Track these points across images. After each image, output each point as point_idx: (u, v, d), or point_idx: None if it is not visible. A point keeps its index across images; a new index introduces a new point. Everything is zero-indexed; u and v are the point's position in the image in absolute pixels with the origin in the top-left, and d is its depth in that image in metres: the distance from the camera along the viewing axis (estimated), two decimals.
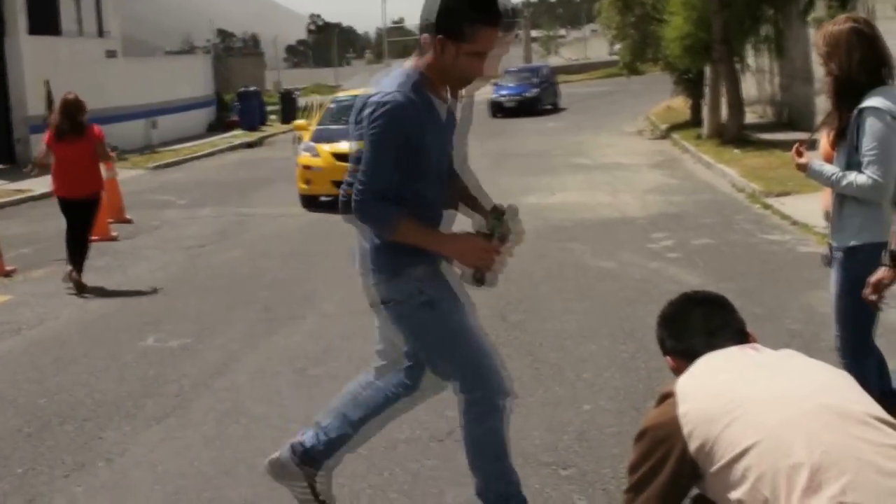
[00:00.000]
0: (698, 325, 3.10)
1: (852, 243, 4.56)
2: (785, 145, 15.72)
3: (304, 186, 15.73)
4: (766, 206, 13.62)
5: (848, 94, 4.45)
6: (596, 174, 18.82)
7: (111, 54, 28.63)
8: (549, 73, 40.97)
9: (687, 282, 9.30)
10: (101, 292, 10.19)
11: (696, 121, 25.78)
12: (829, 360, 5.32)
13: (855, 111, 4.43)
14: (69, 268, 10.24)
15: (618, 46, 41.57)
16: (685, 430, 2.73)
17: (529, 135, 28.95)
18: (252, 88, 33.88)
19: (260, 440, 5.71)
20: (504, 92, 37.33)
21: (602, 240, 11.91)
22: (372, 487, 4.97)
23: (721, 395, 2.75)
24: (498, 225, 4.06)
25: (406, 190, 4.03)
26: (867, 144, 4.42)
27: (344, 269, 10.95)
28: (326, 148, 15.82)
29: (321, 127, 16.92)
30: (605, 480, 4.90)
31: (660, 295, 8.76)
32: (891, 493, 2.45)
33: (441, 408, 6.11)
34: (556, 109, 37.60)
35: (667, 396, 2.88)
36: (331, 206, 15.72)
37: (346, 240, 12.81)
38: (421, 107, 3.92)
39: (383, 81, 4.02)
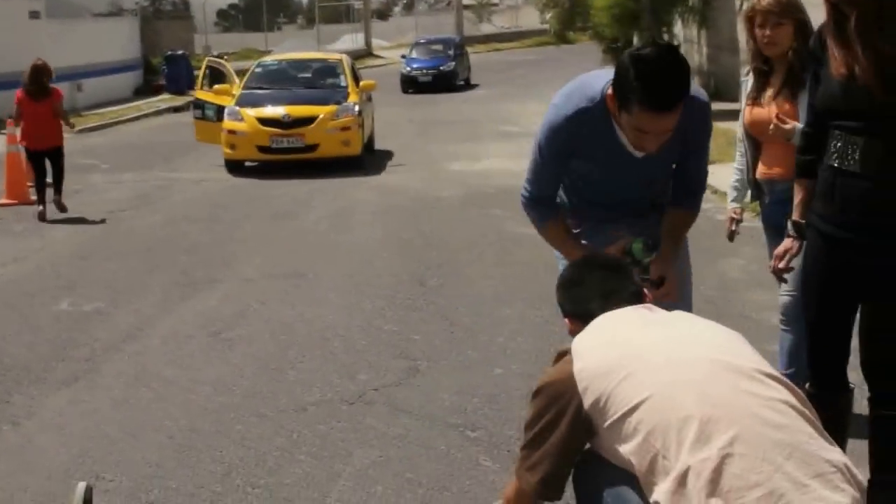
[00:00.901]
0: (594, 288, 3.14)
1: None
2: (714, 115, 15.88)
3: (228, 151, 15.59)
4: None
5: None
6: (523, 142, 18.77)
7: (34, 15, 28.00)
8: (461, 45, 37.53)
9: None
10: (17, 256, 10.05)
11: None
12: (740, 325, 5.44)
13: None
14: (39, 208, 12.07)
15: (548, 15, 41.56)
16: (580, 386, 2.76)
17: (457, 103, 28.91)
18: (180, 52, 33.37)
19: (168, 403, 5.69)
20: (417, 65, 33.98)
21: None
22: (279, 449, 4.97)
23: (615, 351, 2.79)
24: (640, 253, 3.90)
25: (572, 196, 4.18)
26: None
27: (265, 233, 10.98)
28: (251, 112, 15.68)
29: (246, 91, 16.75)
30: (511, 442, 4.94)
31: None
32: (776, 444, 2.50)
33: (352, 371, 6.16)
34: (468, 85, 34.45)
35: (563, 354, 2.93)
36: (255, 171, 15.67)
37: (268, 204, 12.79)
38: (591, 125, 3.79)
39: (568, 87, 3.95)
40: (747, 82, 5.00)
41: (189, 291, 8.34)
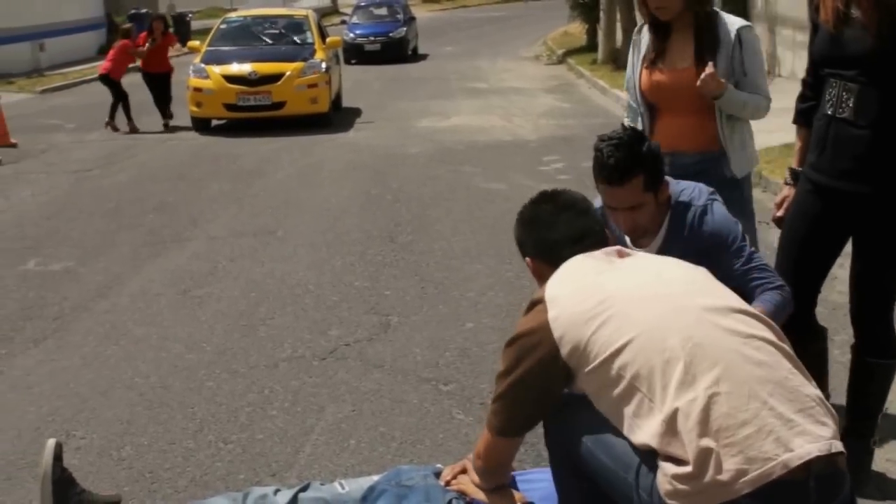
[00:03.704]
0: (562, 230, 3.05)
1: (746, 172, 4.55)
2: None
3: (194, 109, 15.43)
4: None
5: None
6: (491, 98, 18.81)
7: None
8: (407, 9, 32.14)
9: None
10: None
11: (591, 46, 25.83)
12: None
13: (733, 31, 4.41)
14: None
15: None
16: (556, 334, 2.74)
17: (426, 59, 28.81)
18: (144, 11, 32.95)
19: (139, 361, 5.66)
20: (362, 31, 29.06)
21: (493, 162, 11.93)
22: (251, 405, 4.95)
23: (591, 297, 2.75)
24: None
25: None
26: (757, 63, 4.41)
27: (233, 191, 10.90)
28: (217, 70, 15.51)
29: (212, 48, 16.57)
30: (484, 395, 4.95)
31: None
32: (759, 380, 2.52)
33: (324, 327, 6.14)
34: (415, 55, 30.03)
35: (536, 303, 2.87)
36: (222, 130, 15.55)
37: (236, 162, 12.69)
38: None
39: None
40: (640, 41, 4.59)
41: (157, 250, 8.28)
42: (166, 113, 16.19)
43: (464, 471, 3.38)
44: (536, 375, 2.81)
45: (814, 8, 3.78)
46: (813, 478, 2.45)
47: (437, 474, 3.45)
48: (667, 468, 2.52)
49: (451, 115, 16.51)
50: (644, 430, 2.57)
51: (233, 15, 19.11)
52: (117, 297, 6.98)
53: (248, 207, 9.99)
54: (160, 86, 16.20)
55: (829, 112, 3.66)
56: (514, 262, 7.39)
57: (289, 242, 8.40)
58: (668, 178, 3.78)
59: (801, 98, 3.99)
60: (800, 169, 3.99)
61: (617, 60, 21.65)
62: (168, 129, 15.93)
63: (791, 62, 17.38)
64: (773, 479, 2.41)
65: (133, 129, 15.66)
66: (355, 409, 4.87)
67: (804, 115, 3.96)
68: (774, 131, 11.71)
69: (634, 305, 2.71)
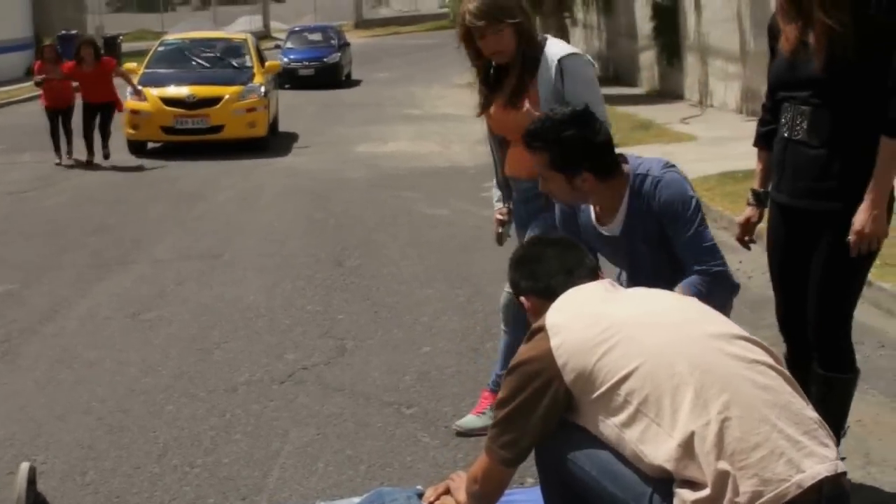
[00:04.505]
0: (554, 264, 3.14)
1: None
2: (613, 99, 16.11)
3: (131, 131, 15.27)
4: None
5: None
6: (427, 124, 18.88)
7: None
8: (342, 35, 32.46)
9: None
10: None
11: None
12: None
13: (554, 62, 4.42)
14: None
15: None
16: (560, 361, 2.76)
17: (359, 85, 28.84)
18: (73, 32, 32.58)
19: (94, 385, 5.57)
20: (295, 56, 28.85)
21: (434, 188, 11.97)
22: (213, 429, 4.90)
23: (595, 324, 2.78)
24: None
25: None
26: (583, 88, 4.40)
27: (173, 214, 10.80)
28: (154, 92, 15.38)
29: (149, 70, 16.43)
30: (448, 419, 4.95)
31: (493, 243, 8.88)
32: (767, 404, 2.58)
33: (279, 351, 6.11)
34: (349, 80, 29.93)
35: (537, 331, 2.89)
36: (159, 153, 15.41)
37: (174, 185, 12.53)
38: None
39: None
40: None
41: (102, 273, 8.18)
42: (107, 141, 14.70)
43: (447, 491, 3.39)
44: (538, 404, 2.81)
45: (772, 36, 3.93)
46: (824, 499, 2.51)
47: (420, 496, 3.45)
48: (685, 495, 2.56)
49: (388, 141, 16.54)
50: (657, 454, 2.60)
51: (170, 37, 18.98)
52: (65, 320, 6.87)
53: (190, 231, 9.91)
54: (103, 117, 14.66)
55: (786, 134, 3.80)
56: (464, 287, 7.44)
57: (235, 266, 8.35)
58: (628, 154, 3.90)
59: (761, 122, 4.13)
60: (761, 190, 4.11)
61: None
62: (90, 165, 14.38)
63: (722, 93, 17.72)
64: (788, 499, 2.46)
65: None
66: (320, 432, 4.85)
67: (763, 138, 4.08)
68: (710, 160, 11.99)
69: (640, 332, 2.75)
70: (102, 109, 14.61)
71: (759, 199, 4.10)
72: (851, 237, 3.60)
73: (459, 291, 7.36)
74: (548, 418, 2.84)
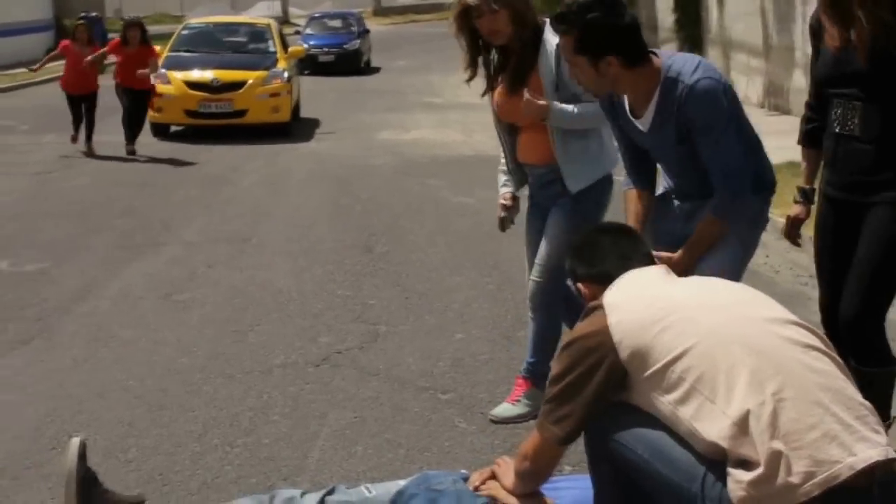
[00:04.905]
0: (610, 249, 3.18)
1: (585, 185, 4.59)
2: None
3: (154, 114, 15.26)
4: None
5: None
6: (448, 113, 18.87)
7: None
8: (362, 22, 32.40)
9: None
10: None
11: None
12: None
13: (552, 46, 4.43)
14: None
15: None
16: (616, 338, 2.80)
17: (379, 72, 28.84)
18: (94, 14, 32.63)
19: (131, 364, 5.62)
20: (315, 42, 28.55)
21: (459, 176, 11.97)
22: (251, 410, 4.94)
23: (652, 305, 2.84)
24: None
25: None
26: None
27: (200, 198, 10.83)
28: (178, 76, 15.43)
29: (173, 54, 16.47)
30: (483, 405, 4.98)
31: (522, 231, 8.89)
32: (820, 388, 2.63)
33: (312, 334, 6.14)
34: (369, 68, 30.07)
35: (594, 308, 2.94)
36: (182, 136, 15.44)
37: (200, 169, 12.56)
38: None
39: None
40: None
41: (132, 254, 8.22)
42: (135, 137, 14.00)
43: (492, 476, 3.41)
44: (594, 378, 2.85)
45: (815, 35, 3.98)
46: (876, 484, 2.54)
47: (465, 480, 3.48)
48: (738, 475, 2.59)
49: (410, 129, 16.55)
50: (711, 432, 2.64)
51: (194, 21, 19.01)
52: (97, 299, 6.91)
53: (218, 214, 9.95)
54: (137, 105, 13.99)
55: (837, 130, 3.84)
56: (493, 275, 7.45)
57: (264, 250, 8.38)
58: (660, 51, 3.93)
59: (806, 120, 4.16)
60: (808, 187, 4.13)
61: None
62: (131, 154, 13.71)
63: (745, 87, 17.68)
64: (840, 482, 2.50)
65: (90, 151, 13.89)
66: (357, 416, 4.88)
67: (808, 136, 4.12)
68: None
69: (696, 313, 2.80)
70: (137, 96, 13.90)
71: (806, 197, 4.15)
72: None
73: (489, 279, 7.38)
74: (602, 394, 2.87)
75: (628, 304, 2.87)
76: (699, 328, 2.74)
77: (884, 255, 3.78)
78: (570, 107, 4.46)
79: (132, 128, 13.96)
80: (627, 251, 3.17)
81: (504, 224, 5.08)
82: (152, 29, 33.32)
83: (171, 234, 9.00)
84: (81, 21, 15.21)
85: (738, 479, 2.60)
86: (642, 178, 4.17)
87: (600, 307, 2.91)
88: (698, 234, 3.91)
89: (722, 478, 2.64)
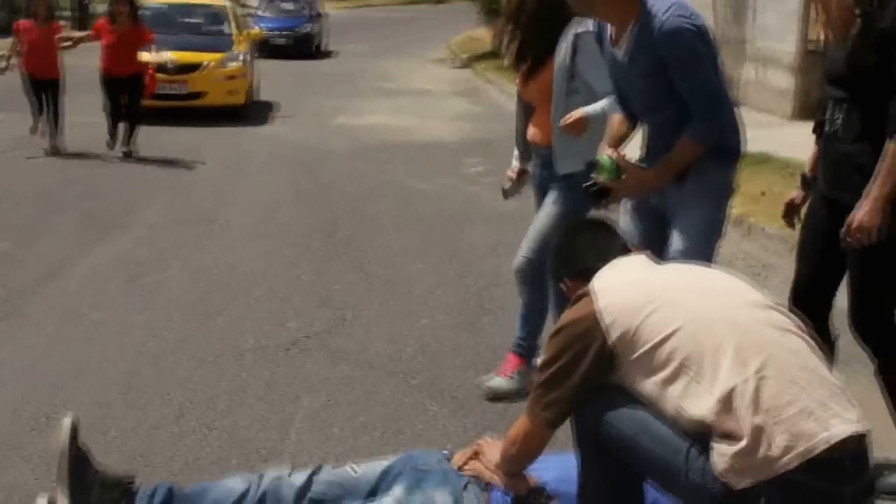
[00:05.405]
0: (589, 246, 3.32)
1: (573, 170, 4.73)
2: None
3: None
4: None
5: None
6: (403, 99, 18.95)
7: None
8: (315, 4, 31.60)
9: (504, 205, 9.52)
10: None
11: (497, 51, 26.11)
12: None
13: (571, 35, 4.67)
14: None
15: None
16: (606, 321, 2.93)
17: (333, 56, 28.80)
18: None
19: (103, 346, 5.68)
20: (268, 25, 27.52)
21: (417, 162, 12.08)
22: (226, 393, 5.02)
23: (640, 288, 3.00)
24: (606, 168, 4.11)
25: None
26: (600, 68, 4.52)
27: (161, 179, 10.83)
28: None
29: None
30: (453, 389, 5.11)
31: (481, 217, 9.07)
32: (798, 367, 2.80)
33: (280, 318, 6.23)
34: (323, 52, 29.94)
35: (582, 295, 3.07)
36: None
37: (158, 150, 12.48)
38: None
39: None
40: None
41: (98, 235, 8.24)
42: (133, 133, 12.37)
43: (475, 455, 3.54)
44: (583, 363, 2.98)
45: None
46: (848, 457, 2.73)
47: (448, 460, 3.60)
48: (721, 448, 2.75)
49: (365, 114, 16.61)
50: (697, 409, 2.79)
51: (152, 2, 18.86)
52: (64, 281, 6.95)
53: (181, 196, 9.98)
54: (130, 95, 12.38)
55: (827, 129, 3.96)
56: (454, 262, 7.58)
57: (230, 232, 8.45)
58: None
59: (821, 111, 4.18)
60: (810, 175, 4.27)
61: None
62: (128, 156, 12.13)
63: None
64: (815, 454, 2.67)
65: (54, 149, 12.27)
66: (330, 399, 4.98)
67: (819, 127, 4.18)
68: None
69: (682, 297, 2.96)
70: (128, 84, 12.35)
71: (806, 184, 4.27)
72: (843, 230, 3.76)
73: (450, 266, 7.50)
74: (590, 378, 3.00)
75: (616, 289, 3.01)
76: (685, 311, 2.89)
77: (875, 259, 3.86)
78: (598, 107, 4.62)
79: (132, 123, 12.41)
80: (605, 246, 3.29)
81: (506, 194, 5.49)
82: (103, 7, 32.86)
83: (135, 216, 9.02)
84: None
85: (722, 452, 2.75)
86: (628, 108, 4.32)
87: (587, 294, 3.04)
88: (672, 154, 4.04)
89: (705, 451, 2.79)
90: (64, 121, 12.58)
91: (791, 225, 4.43)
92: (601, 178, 4.11)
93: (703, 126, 3.98)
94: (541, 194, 5.10)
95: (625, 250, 3.31)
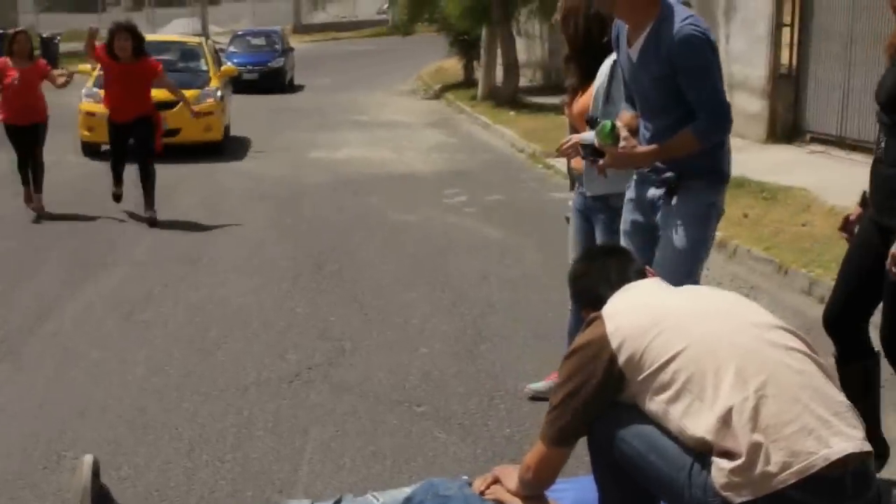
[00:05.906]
0: (601, 274, 3.41)
1: (601, 192, 4.90)
2: (556, 108, 16.29)
3: (86, 133, 15.16)
4: (548, 167, 14.09)
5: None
6: (377, 131, 19.02)
7: None
8: (285, 39, 32.25)
9: (489, 234, 9.69)
10: None
11: (468, 82, 26.35)
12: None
13: (609, 61, 4.78)
14: None
15: (386, 5, 41.42)
16: (614, 343, 3.04)
17: (303, 90, 28.86)
18: (10, 30, 32.16)
19: (106, 384, 5.67)
20: (239, 60, 27.60)
21: (397, 194, 12.13)
22: (234, 426, 5.03)
23: (648, 312, 3.10)
24: (604, 133, 4.22)
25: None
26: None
27: (141, 217, 10.76)
28: None
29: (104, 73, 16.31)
30: (459, 416, 5.15)
31: (467, 247, 9.15)
32: (800, 386, 2.88)
33: (280, 351, 6.25)
34: (292, 86, 29.79)
35: (593, 320, 3.18)
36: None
37: (136, 188, 12.44)
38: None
39: None
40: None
41: (85, 273, 8.22)
42: (152, 194, 10.50)
43: (495, 481, 3.58)
44: (594, 383, 3.09)
45: None
46: (849, 474, 2.80)
47: (469, 485, 3.64)
48: (721, 464, 2.84)
49: (341, 147, 16.65)
50: (698, 428, 2.87)
51: None
52: (59, 320, 6.93)
53: (163, 233, 9.96)
54: (139, 140, 10.68)
55: (875, 152, 4.08)
56: (446, 291, 7.62)
57: (216, 269, 8.45)
58: None
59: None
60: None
61: (496, 97, 22.18)
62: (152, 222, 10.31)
63: None
64: (815, 471, 2.74)
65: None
66: (339, 430, 5.00)
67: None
68: None
69: (687, 320, 3.05)
70: (142, 127, 10.63)
71: (864, 202, 4.30)
72: (889, 260, 3.80)
73: (443, 295, 7.54)
74: (602, 398, 3.11)
75: (625, 313, 3.12)
76: (690, 332, 2.99)
77: None
78: (590, 136, 4.63)
79: (148, 180, 10.57)
80: (617, 274, 3.38)
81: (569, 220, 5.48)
82: (71, 46, 32.79)
83: (119, 253, 9.01)
84: (21, 31, 11.86)
85: (721, 468, 2.84)
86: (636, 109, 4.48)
87: (599, 317, 3.16)
88: (670, 141, 4.19)
89: (707, 467, 2.88)
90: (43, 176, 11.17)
91: (847, 238, 4.48)
92: (597, 139, 4.25)
93: (707, 126, 4.16)
94: (578, 216, 5.18)
95: (639, 274, 3.40)
